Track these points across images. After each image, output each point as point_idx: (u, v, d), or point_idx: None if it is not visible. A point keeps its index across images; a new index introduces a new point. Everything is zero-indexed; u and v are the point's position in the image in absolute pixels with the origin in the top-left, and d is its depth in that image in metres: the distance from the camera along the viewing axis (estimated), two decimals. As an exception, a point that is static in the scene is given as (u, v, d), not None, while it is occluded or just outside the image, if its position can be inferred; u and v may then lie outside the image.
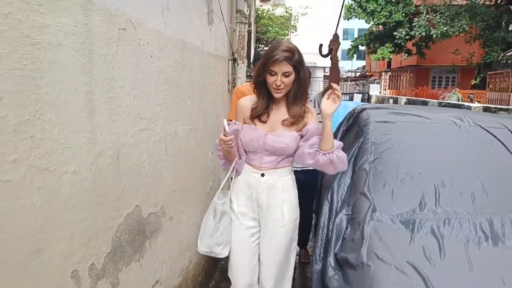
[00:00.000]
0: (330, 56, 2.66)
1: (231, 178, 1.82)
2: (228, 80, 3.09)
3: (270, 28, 9.68)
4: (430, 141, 2.17)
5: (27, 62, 0.87)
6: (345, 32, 33.95)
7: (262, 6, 10.58)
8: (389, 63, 23.25)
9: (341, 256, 1.66)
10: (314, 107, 2.51)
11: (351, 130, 2.67)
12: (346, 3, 18.82)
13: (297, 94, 1.70)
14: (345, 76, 33.56)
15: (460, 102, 10.15)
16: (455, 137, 2.18)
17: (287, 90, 1.68)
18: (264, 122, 1.73)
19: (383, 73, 25.00)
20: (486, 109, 7.52)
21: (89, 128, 1.14)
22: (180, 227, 2.07)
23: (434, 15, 15.65)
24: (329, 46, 2.65)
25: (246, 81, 3.10)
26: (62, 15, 0.99)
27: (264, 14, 9.82)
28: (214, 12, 2.56)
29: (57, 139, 1.00)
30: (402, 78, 21.49)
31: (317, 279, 1.78)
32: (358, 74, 34.56)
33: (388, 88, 22.65)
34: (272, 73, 1.63)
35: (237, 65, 3.16)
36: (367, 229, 1.65)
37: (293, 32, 13.50)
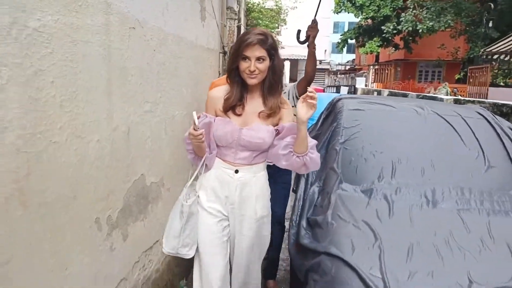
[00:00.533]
0: (307, 43, 2.55)
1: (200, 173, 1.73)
2: (219, 71, 3.39)
3: (260, 22, 9.92)
4: (393, 126, 2.51)
5: (68, 55, 1.17)
6: (336, 25, 34.25)
7: (252, -1, 10.88)
8: (377, 57, 23.67)
9: (312, 219, 2.00)
10: (289, 99, 2.48)
11: (329, 117, 3.01)
12: (336, -4, 19.11)
13: (273, 84, 1.61)
14: (335, 69, 33.93)
15: (441, 95, 10.60)
16: (415, 122, 2.53)
17: (262, 77, 1.58)
18: (239, 114, 1.62)
19: (371, 67, 25.44)
20: (456, 101, 7.97)
21: (107, 107, 1.45)
22: (173, 196, 2.38)
23: (421, 10, 16.05)
24: (306, 32, 2.55)
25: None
26: (90, 18, 1.29)
27: (255, 7, 10.08)
28: (206, 10, 2.85)
29: (87, 114, 1.30)
30: (388, 71, 21.95)
31: (293, 240, 2.12)
32: (347, 67, 34.96)
33: (376, 82, 23.11)
34: (245, 58, 1.54)
35: (227, 57, 3.46)
36: (333, 197, 1.99)
37: (282, 26, 13.78)
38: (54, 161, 1.14)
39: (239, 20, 3.91)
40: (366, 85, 22.28)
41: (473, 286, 1.43)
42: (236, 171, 1.65)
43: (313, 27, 2.53)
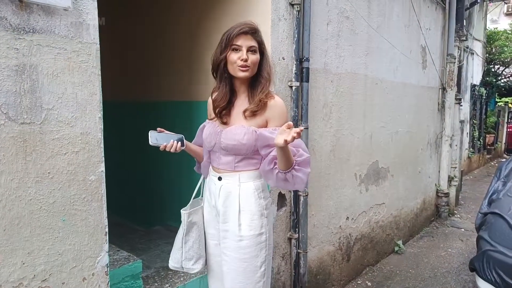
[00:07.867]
0: None
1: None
2: (438, 102, 4.54)
3: (506, 49, 9.61)
4: None
5: (350, 101, 2.88)
6: None
7: (497, 28, 10.55)
8: None
9: (490, 198, 2.97)
10: None
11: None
12: None
13: (261, 82, 1.44)
14: None
15: None
16: None
17: (253, 72, 1.42)
18: (226, 118, 1.48)
19: None
20: None
21: (363, 122, 3.07)
22: (396, 181, 3.77)
23: None
24: None
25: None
26: (359, 83, 2.97)
27: (500, 35, 9.83)
28: (427, 61, 4.16)
29: (356, 125, 2.96)
30: None
31: (478, 215, 3.11)
32: None
33: None
34: (236, 49, 1.39)
35: (446, 91, 4.57)
36: (509, 184, 2.91)
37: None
38: (346, 141, 2.84)
39: (460, 61, 4.90)
40: None
41: None
42: (220, 178, 1.50)
43: None
